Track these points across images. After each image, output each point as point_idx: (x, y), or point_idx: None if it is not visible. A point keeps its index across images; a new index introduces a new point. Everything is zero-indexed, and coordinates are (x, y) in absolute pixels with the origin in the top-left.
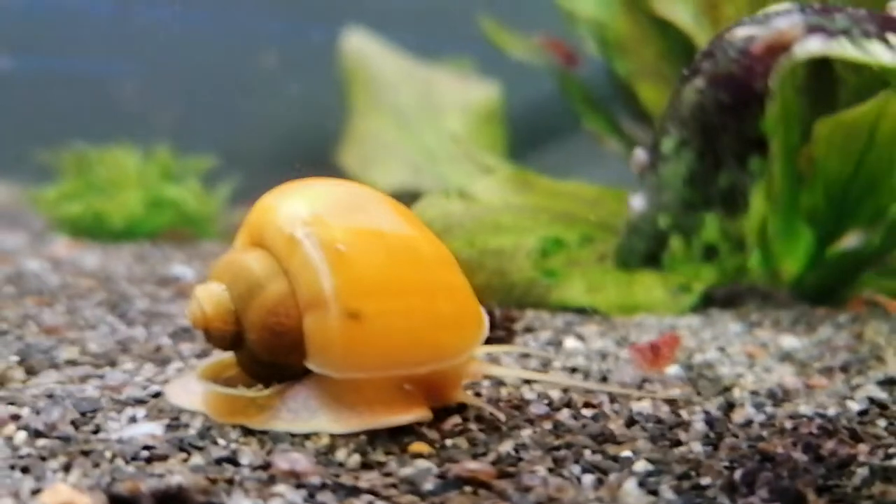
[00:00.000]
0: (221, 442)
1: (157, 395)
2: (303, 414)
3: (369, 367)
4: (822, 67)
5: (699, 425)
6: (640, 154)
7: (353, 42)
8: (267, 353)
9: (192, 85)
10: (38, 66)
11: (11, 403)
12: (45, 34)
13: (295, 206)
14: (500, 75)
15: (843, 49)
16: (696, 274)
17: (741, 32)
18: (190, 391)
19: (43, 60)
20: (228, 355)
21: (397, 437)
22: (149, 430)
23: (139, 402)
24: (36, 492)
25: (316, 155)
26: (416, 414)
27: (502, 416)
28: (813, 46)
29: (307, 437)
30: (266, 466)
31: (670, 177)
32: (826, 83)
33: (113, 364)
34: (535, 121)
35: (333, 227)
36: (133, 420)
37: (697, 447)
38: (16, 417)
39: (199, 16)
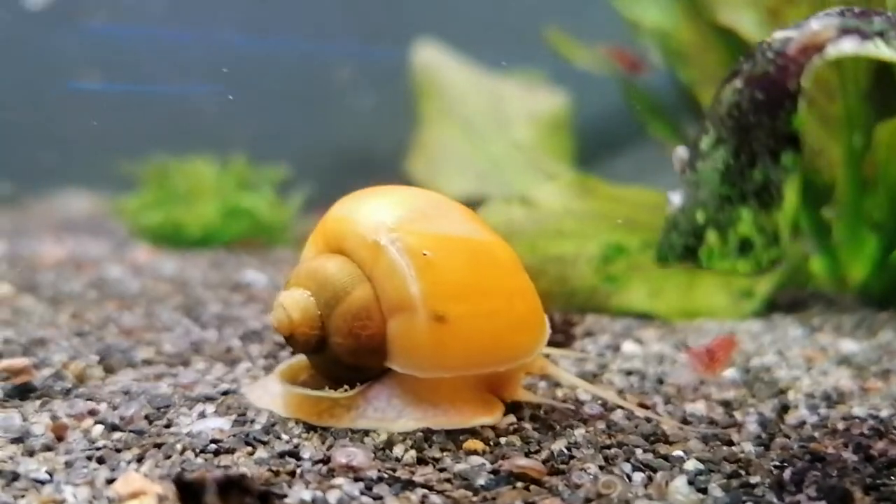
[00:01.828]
0: (284, 437)
1: (226, 392)
2: (389, 413)
3: (453, 367)
4: (885, 74)
5: (752, 426)
6: (681, 151)
7: (423, 54)
8: (350, 355)
9: (268, 100)
10: (124, 87)
11: (90, 399)
12: (131, 58)
13: (376, 213)
14: (569, 86)
15: (877, 50)
16: (732, 267)
17: (779, 35)
18: (271, 393)
19: (129, 82)
20: (301, 359)
21: (453, 435)
22: (217, 425)
23: (209, 399)
24: (110, 481)
25: (384, 165)
26: (496, 414)
27: (566, 406)
28: (846, 47)
29: (366, 433)
30: (326, 460)
31: (707, 173)
32: (890, 89)
33: (186, 364)
34: (604, 129)
35: (417, 233)
36: (202, 415)
37: (749, 447)
38: (94, 412)
39: (275, 38)
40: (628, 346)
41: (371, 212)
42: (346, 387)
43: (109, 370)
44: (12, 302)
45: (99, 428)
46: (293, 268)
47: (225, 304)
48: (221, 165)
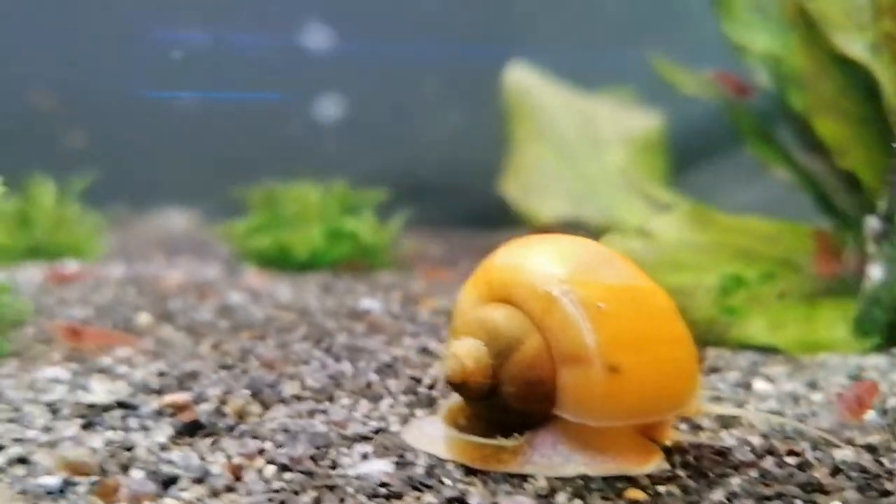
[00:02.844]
0: (447, 482)
1: (377, 431)
2: (556, 459)
3: (625, 416)
4: None
5: None
6: (874, 222)
7: (515, 75)
8: (520, 402)
9: (358, 115)
10: (219, 102)
11: (255, 437)
12: (226, 73)
13: (545, 264)
14: (657, 97)
15: None
16: None
17: None
18: (428, 435)
19: (225, 96)
20: (456, 400)
21: (611, 482)
22: (381, 467)
23: (364, 438)
24: None
25: (476, 184)
26: (656, 462)
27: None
28: None
29: (524, 479)
30: None
31: None
32: None
33: (331, 399)
34: (690, 142)
35: (587, 284)
36: (364, 457)
37: None
38: (262, 451)
39: (364, 46)
40: (759, 385)
41: (540, 263)
42: (515, 434)
43: (264, 405)
44: (154, 332)
45: (271, 468)
46: (401, 293)
47: (350, 334)
48: (324, 189)
